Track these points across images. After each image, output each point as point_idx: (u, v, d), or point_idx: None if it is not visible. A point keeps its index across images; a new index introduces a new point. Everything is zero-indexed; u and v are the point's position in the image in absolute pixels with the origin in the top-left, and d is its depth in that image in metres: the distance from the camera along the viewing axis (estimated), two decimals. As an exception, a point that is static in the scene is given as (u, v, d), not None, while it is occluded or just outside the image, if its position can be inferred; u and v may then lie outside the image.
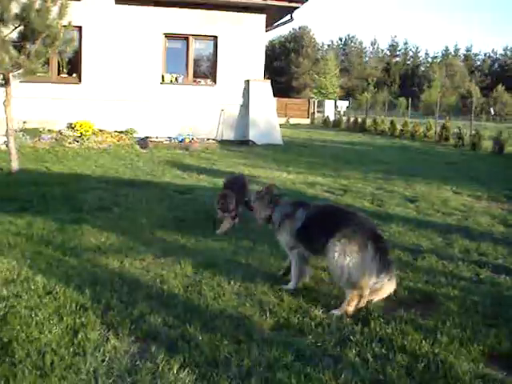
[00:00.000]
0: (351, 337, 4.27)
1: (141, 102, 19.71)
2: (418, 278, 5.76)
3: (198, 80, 20.89)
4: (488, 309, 4.94)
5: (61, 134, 17.69)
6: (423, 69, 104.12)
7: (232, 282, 5.36)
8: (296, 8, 20.58)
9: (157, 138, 19.08)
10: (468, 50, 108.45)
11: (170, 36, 20.38)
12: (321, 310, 4.75)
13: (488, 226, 8.42)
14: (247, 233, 7.29)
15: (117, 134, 18.52)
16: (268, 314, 4.62)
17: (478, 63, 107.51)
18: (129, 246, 6.53)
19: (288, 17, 21.77)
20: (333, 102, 52.27)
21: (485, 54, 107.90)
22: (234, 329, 4.31)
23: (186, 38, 20.56)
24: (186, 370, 3.68)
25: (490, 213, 9.45)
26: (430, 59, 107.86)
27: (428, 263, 6.30)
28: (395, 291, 5.13)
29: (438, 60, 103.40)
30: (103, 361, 3.78)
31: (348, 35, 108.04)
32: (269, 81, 21.46)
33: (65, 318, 4.31)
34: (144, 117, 19.62)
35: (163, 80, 20.33)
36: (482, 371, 3.85)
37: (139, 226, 7.50)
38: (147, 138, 18.62)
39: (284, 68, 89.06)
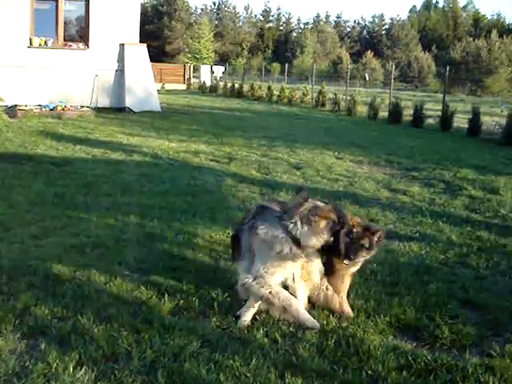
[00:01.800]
0: (257, 316, 4.07)
1: (6, 68, 18.25)
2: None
3: (70, 44, 19.70)
4: (387, 277, 4.95)
5: None
6: (296, 35, 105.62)
7: (123, 264, 4.98)
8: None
9: (26, 106, 17.80)
10: (338, 17, 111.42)
11: (37, -4, 19.00)
12: (220, 289, 4.50)
13: (374, 192, 8.56)
14: (134, 207, 6.88)
15: (-20, 102, 17.10)
16: (166, 297, 4.30)
17: (348, 30, 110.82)
18: (4, 227, 5.92)
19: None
20: (209, 67, 51.68)
21: (354, 21, 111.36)
22: (131, 316, 3.98)
23: (54, -2, 19.27)
24: (84, 369, 3.31)
25: (374, 178, 9.64)
26: (302, 25, 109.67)
27: (322, 232, 6.23)
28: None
29: (310, 26, 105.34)
30: (-15, 364, 3.33)
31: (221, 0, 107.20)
32: (145, 45, 20.67)
33: None
34: (11, 83, 18.17)
35: (31, 43, 18.94)
36: (392, 343, 3.80)
37: (15, 204, 6.85)
38: (16, 106, 17.35)
39: (157, 32, 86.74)
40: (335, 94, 25.15)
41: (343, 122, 20.26)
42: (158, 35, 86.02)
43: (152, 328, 3.81)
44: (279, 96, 29.45)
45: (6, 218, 6.27)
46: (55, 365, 3.33)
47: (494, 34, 74.31)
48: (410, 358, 3.59)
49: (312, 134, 15.62)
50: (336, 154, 11.96)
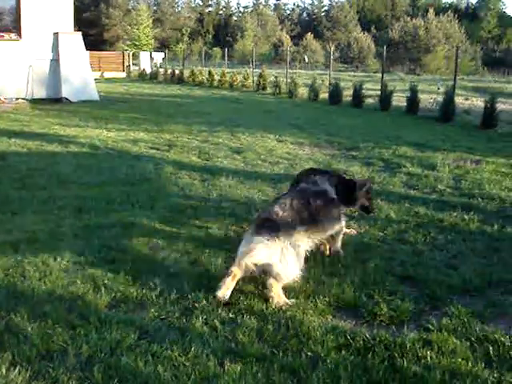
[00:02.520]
0: (196, 304, 4.03)
1: None
2: (254, 232, 5.65)
3: (1, 34, 19.05)
4: (326, 257, 4.97)
5: None
6: (236, 19, 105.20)
7: (58, 258, 4.85)
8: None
9: (-43, 99, 17.20)
10: (278, 0, 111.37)
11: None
12: (158, 280, 4.44)
13: (314, 173, 8.58)
14: (70, 200, 6.72)
15: None
16: (103, 290, 4.21)
17: (288, 12, 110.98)
18: None
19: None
20: (148, 53, 50.99)
21: (294, 4, 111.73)
22: (67, 312, 3.87)
23: (-18, -13, 18.59)
24: (17, 369, 3.21)
25: (314, 159, 9.69)
26: (242, 9, 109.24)
27: (262, 216, 6.22)
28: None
29: (250, 10, 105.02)
30: None
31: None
32: (80, 33, 20.20)
33: None
34: None
35: (-40, 35, 18.27)
36: (331, 324, 3.82)
37: None
38: None
39: (94, 20, 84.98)
40: (276, 77, 25.17)
41: (284, 104, 20.30)
42: (95, 23, 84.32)
43: (88, 323, 3.72)
44: (220, 81, 29.33)
45: None
46: (-13, 367, 3.22)
47: (431, 13, 75.77)
48: (348, 337, 3.61)
49: (253, 118, 15.60)
50: (277, 136, 11.96)
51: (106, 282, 4.37)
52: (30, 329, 3.64)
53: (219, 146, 10.72)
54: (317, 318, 3.88)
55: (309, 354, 3.45)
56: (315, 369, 3.29)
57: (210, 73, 30.88)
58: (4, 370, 3.20)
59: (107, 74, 42.46)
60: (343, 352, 3.47)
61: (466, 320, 3.86)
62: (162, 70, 38.93)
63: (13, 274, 4.54)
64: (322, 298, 4.15)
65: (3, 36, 19.08)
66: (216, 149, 10.44)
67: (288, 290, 4.24)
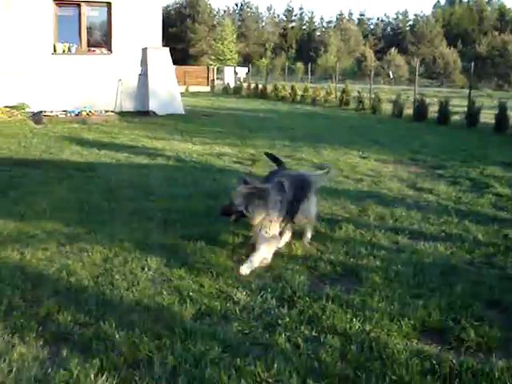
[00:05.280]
0: (279, 320, 4.04)
1: (32, 75, 18.51)
2: (337, 249, 5.63)
3: (93, 49, 19.92)
4: (412, 279, 4.87)
5: None
6: (319, 34, 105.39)
7: (146, 269, 4.98)
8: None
9: (51, 112, 17.99)
10: (362, 15, 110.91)
11: (60, 3, 19.20)
12: (243, 293, 4.49)
13: (398, 191, 8.46)
14: (157, 212, 6.89)
15: (7, 109, 17.30)
16: (188, 302, 4.29)
17: (372, 27, 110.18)
18: (29, 234, 5.96)
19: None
20: (232, 68, 51.84)
21: (378, 18, 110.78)
22: (153, 322, 3.96)
23: (77, 4, 19.48)
24: (105, 376, 3.31)
25: (398, 176, 9.54)
26: (325, 24, 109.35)
27: (345, 233, 6.18)
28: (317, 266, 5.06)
29: (333, 25, 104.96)
30: (10, 371, 3.33)
31: (243, 0, 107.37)
32: (167, 48, 20.79)
33: (-40, 325, 3.81)
34: (36, 90, 18.45)
35: (55, 50, 19.21)
36: (416, 347, 3.73)
37: (39, 211, 6.89)
38: (41, 112, 17.55)
39: (180, 35, 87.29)
40: (359, 92, 25.00)
41: (367, 120, 20.11)
42: (181, 38, 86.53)
43: (173, 334, 3.80)
44: (303, 96, 29.38)
45: (30, 224, 6.32)
46: (77, 372, 3.33)
47: (521, 27, 73.23)
48: (434, 362, 3.51)
49: (336, 134, 15.53)
50: (360, 153, 11.86)
51: (191, 293, 4.44)
52: (117, 337, 3.74)
53: (302, 161, 10.74)
54: (401, 341, 3.80)
55: (393, 377, 3.38)
56: (399, 393, 3.23)
57: (292, 88, 31.01)
58: (92, 376, 3.30)
59: (192, 88, 43.48)
60: (428, 377, 3.37)
61: (560, 350, 3.68)
62: (245, 85, 39.42)
63: (102, 282, 4.70)
64: (406, 320, 4.06)
65: (95, 51, 19.92)
66: (299, 164, 10.46)
67: (372, 309, 4.18)
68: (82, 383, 3.25)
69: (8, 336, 3.73)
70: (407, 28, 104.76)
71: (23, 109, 17.76)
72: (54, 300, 4.26)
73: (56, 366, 3.42)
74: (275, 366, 3.44)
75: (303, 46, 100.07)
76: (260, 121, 19.20)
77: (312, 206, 5.90)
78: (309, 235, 5.92)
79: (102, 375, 3.31)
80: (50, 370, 3.37)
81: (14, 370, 3.35)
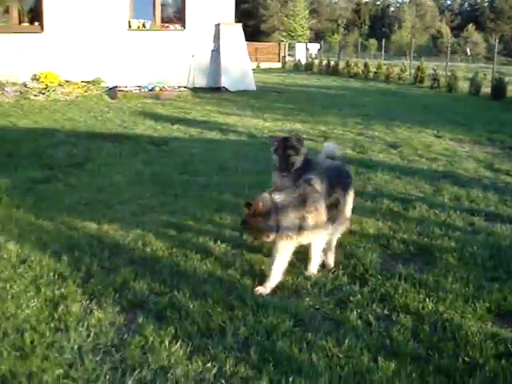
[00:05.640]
0: (350, 297, 4.03)
1: (107, 50, 18.87)
2: (410, 229, 5.53)
3: (167, 25, 20.12)
4: (487, 261, 4.74)
5: (25, 86, 16.88)
6: (393, 9, 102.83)
7: (218, 241, 5.05)
8: None
9: (126, 87, 18.33)
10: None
11: (135, -21, 19.47)
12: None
13: (475, 172, 8.22)
14: (229, 186, 6.96)
15: (84, 84, 17.75)
16: (260, 276, 4.33)
17: (449, 2, 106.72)
18: (105, 205, 6.15)
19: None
20: (304, 45, 51.33)
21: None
22: (226, 293, 4.03)
23: (152, -19, 19.68)
24: (179, 343, 3.40)
25: (475, 157, 9.26)
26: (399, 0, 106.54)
27: (419, 213, 6.07)
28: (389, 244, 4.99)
29: (408, 0, 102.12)
30: (88, 336, 3.47)
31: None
32: (240, 24, 20.75)
33: (43, 290, 3.98)
34: (111, 65, 18.81)
35: (130, 26, 19.50)
36: (491, 330, 3.65)
37: (115, 183, 7.10)
38: (116, 87, 17.93)
39: (252, 11, 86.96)
40: (434, 70, 24.32)
41: (443, 98, 19.56)
42: (253, 14, 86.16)
43: (246, 306, 3.85)
44: (376, 73, 28.83)
45: (107, 195, 6.52)
46: (152, 338, 3.43)
47: None
48: (509, 346, 3.43)
49: (410, 112, 15.20)
50: (435, 132, 11.57)
51: (262, 267, 4.48)
52: (191, 306, 3.83)
53: (374, 140, 10.58)
54: (475, 323, 3.72)
55: (466, 359, 3.32)
56: (472, 375, 3.16)
57: (365, 64, 30.46)
58: (167, 343, 3.39)
59: (263, 65, 43.37)
60: (503, 361, 3.29)
61: None
62: (316, 61, 39.00)
63: (176, 253, 4.80)
64: (481, 302, 3.96)
65: (168, 27, 20.10)
66: (371, 142, 10.31)
67: (445, 290, 4.11)
68: (156, 349, 3.34)
69: (86, 302, 3.88)
70: (485, 4, 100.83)
71: (99, 84, 18.19)
72: (130, 269, 4.40)
73: (132, 332, 3.54)
74: (346, 341, 3.45)
75: (376, 22, 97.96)
76: (332, 98, 18.99)
77: (350, 207, 4.93)
78: (331, 259, 4.67)
79: (177, 342, 3.40)
80: (125, 336, 3.49)
81: (92, 334, 3.49)
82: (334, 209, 4.44)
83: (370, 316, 3.78)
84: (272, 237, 4.09)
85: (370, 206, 6.26)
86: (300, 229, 4.14)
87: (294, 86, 24.03)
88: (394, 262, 4.75)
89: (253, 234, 4.30)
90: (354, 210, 5.73)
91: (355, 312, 3.82)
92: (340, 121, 12.90)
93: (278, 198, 4.11)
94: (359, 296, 4.04)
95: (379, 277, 4.35)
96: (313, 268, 4.43)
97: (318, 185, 4.34)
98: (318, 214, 4.22)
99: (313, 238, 4.31)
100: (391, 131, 11.54)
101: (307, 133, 11.16)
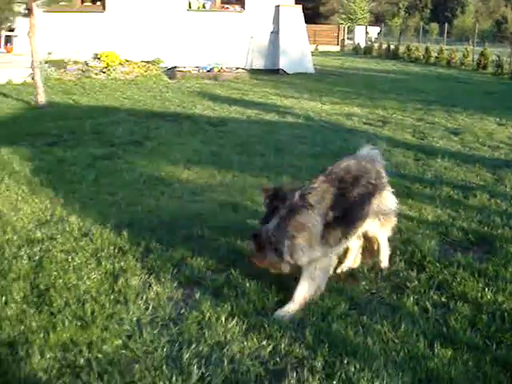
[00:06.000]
0: (407, 283, 3.99)
1: (167, 31, 19.01)
2: (470, 217, 5.41)
3: (226, 6, 20.15)
4: (540, 253, 4.60)
5: (87, 64, 17.25)
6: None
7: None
8: None
9: (185, 67, 18.50)
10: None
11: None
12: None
13: (539, 161, 7.97)
14: (286, 168, 6.96)
15: (143, 64, 17.99)
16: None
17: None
18: (164, 182, 6.26)
19: None
20: (363, 28, 50.53)
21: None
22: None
23: (213, -39, 19.72)
24: (235, 320, 3.44)
25: (540, 147, 8.97)
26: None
27: (480, 201, 5.93)
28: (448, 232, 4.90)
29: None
30: (146, 309, 3.56)
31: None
32: (300, 6, 20.61)
33: (103, 263, 4.09)
34: (171, 46, 18.95)
35: (190, 6, 19.62)
36: (553, 324, 3.56)
37: (173, 161, 7.21)
38: (175, 67, 18.12)
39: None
40: (498, 56, 23.60)
41: (506, 85, 18.98)
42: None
43: (301, 287, 3.86)
44: (437, 57, 28.15)
45: (166, 174, 6.63)
46: (208, 314, 3.49)
47: None
48: None
49: (472, 98, 14.81)
50: (498, 119, 11.25)
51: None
52: (247, 284, 3.86)
53: (435, 126, 10.37)
54: (537, 316, 3.63)
55: (526, 350, 3.25)
56: (531, 368, 3.10)
57: (426, 49, 29.79)
58: (223, 319, 3.44)
59: (321, 48, 42.97)
60: None
61: None
62: (376, 45, 38.36)
63: (233, 232, 4.81)
64: (544, 294, 3.87)
65: (228, 8, 20.12)
66: (431, 128, 10.11)
67: (505, 281, 4.02)
68: (213, 325, 3.40)
69: (145, 276, 3.97)
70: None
71: (158, 64, 18.39)
72: (188, 246, 4.47)
73: (189, 307, 3.61)
74: (402, 327, 3.42)
75: (439, 5, 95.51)
76: (391, 82, 18.68)
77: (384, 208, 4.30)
78: (386, 257, 4.33)
79: (233, 319, 3.45)
80: (183, 311, 3.57)
81: (150, 307, 3.57)
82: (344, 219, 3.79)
83: (426, 303, 3.74)
84: (286, 266, 3.62)
85: (430, 192, 6.15)
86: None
87: (353, 70, 23.74)
88: (452, 250, 4.67)
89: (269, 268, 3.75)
90: (412, 197, 5.65)
91: (412, 298, 3.78)
92: (399, 106, 12.69)
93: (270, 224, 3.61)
94: (416, 282, 4.00)
95: (437, 264, 4.28)
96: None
97: (315, 197, 3.68)
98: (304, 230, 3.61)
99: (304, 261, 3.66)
100: (452, 117, 11.29)
101: (365, 117, 11.04)
